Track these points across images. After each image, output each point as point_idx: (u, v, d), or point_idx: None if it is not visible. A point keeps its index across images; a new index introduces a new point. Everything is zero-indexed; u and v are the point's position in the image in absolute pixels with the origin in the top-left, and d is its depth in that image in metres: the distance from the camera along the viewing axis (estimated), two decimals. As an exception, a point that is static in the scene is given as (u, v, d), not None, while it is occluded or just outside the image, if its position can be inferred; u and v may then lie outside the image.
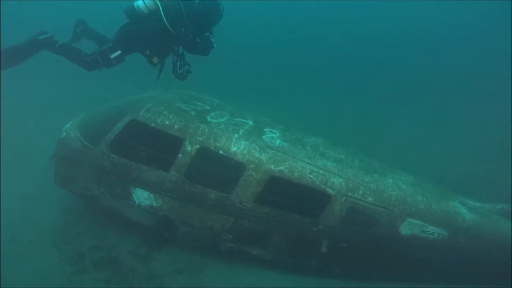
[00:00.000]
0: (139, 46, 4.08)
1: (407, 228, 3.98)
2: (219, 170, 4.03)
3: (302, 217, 3.89)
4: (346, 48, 19.25)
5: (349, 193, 3.88)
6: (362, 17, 22.30)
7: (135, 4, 3.91)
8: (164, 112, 4.00)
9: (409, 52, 18.91)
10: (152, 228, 4.21)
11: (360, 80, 15.17)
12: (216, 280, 3.99)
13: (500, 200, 4.62)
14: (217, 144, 3.85)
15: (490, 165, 8.05)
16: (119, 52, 3.96)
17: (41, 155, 5.77)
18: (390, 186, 4.10)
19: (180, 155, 3.85)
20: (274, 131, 4.31)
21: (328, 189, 3.84)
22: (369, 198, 3.92)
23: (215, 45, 4.25)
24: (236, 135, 3.97)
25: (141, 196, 4.02)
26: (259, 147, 3.92)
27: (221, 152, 3.83)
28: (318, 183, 3.84)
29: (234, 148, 3.85)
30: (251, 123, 4.31)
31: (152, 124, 3.93)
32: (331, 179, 3.89)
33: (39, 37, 3.95)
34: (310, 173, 3.87)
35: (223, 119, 4.16)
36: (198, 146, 3.83)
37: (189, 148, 3.84)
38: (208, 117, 4.12)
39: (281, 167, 3.83)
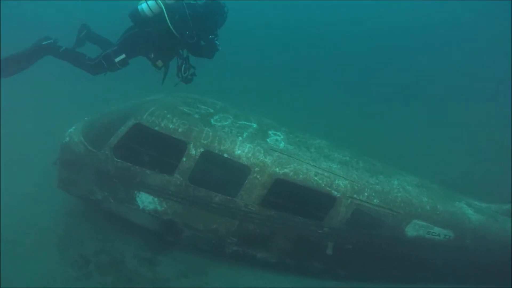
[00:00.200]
0: (144, 50, 4.07)
1: (412, 229, 3.97)
2: (223, 173, 4.02)
3: (307, 220, 3.87)
4: (346, 48, 19.26)
5: (355, 195, 3.86)
6: (362, 17, 22.32)
7: (139, 7, 3.90)
8: (168, 115, 3.98)
9: (409, 52, 18.92)
10: (157, 232, 4.19)
11: (360, 80, 15.17)
12: (221, 283, 3.97)
13: (502, 201, 4.61)
14: (222, 147, 3.84)
15: (490, 165, 8.04)
16: (123, 55, 3.95)
17: (43, 156, 5.76)
18: (396, 188, 4.09)
19: (184, 159, 3.83)
20: (278, 133, 4.30)
21: (333, 191, 3.83)
22: (375, 200, 3.90)
23: (220, 48, 4.23)
24: (240, 138, 3.96)
25: (145, 200, 4.00)
26: (263, 149, 3.91)
27: (225, 155, 3.82)
28: (323, 185, 3.83)
29: (239, 151, 3.83)
30: (255, 125, 4.29)
31: (156, 128, 3.91)
32: (336, 181, 3.88)
33: (43, 43, 3.95)
34: (315, 176, 3.85)
35: (227, 122, 4.15)
36: (202, 150, 3.82)
37: (193, 152, 3.83)
38: (212, 120, 4.10)
39: (286, 170, 3.81)
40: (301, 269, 4.14)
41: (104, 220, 4.52)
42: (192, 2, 4.07)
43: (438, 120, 10.99)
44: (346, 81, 15.03)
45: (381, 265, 4.13)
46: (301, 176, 3.82)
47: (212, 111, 4.33)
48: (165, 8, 3.83)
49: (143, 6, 3.88)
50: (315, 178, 3.84)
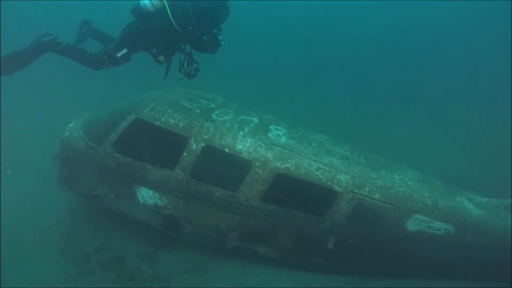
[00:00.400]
0: (146, 45, 4.06)
1: (413, 224, 3.96)
2: (224, 168, 4.01)
3: (308, 215, 3.86)
4: (346, 47, 19.27)
5: (356, 190, 3.85)
6: (361, 17, 22.36)
7: (142, 2, 3.88)
8: (169, 110, 3.98)
9: (409, 52, 18.93)
10: (157, 228, 4.18)
11: (360, 80, 15.18)
12: (222, 279, 3.96)
13: (502, 196, 4.59)
14: (223, 142, 3.83)
15: (490, 165, 8.03)
16: (125, 50, 3.93)
17: (44, 155, 5.75)
18: (397, 183, 4.08)
19: (185, 154, 3.82)
20: (280, 128, 4.29)
21: (334, 186, 3.82)
22: (376, 195, 3.89)
23: (223, 43, 4.22)
24: (241, 132, 3.95)
25: (146, 195, 3.99)
26: (265, 144, 3.90)
27: (226, 150, 3.81)
28: (324, 180, 3.82)
29: (240, 146, 3.83)
30: (256, 120, 4.29)
31: (157, 123, 3.91)
32: (338, 176, 3.87)
33: (43, 39, 3.94)
34: (317, 170, 3.85)
35: (228, 117, 4.14)
36: (203, 145, 3.82)
37: (194, 147, 3.82)
38: (213, 115, 4.10)
39: (287, 165, 3.81)
40: (302, 264, 4.12)
41: (105, 218, 4.51)
42: None
43: (438, 120, 10.98)
44: (347, 80, 15.03)
45: (382, 260, 4.12)
46: (302, 171, 3.81)
47: (213, 106, 4.33)
48: (167, 3, 3.83)
49: (145, 1, 3.86)
50: (317, 173, 3.84)
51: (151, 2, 3.83)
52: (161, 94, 4.38)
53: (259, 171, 3.78)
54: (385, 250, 4.02)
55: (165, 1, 3.82)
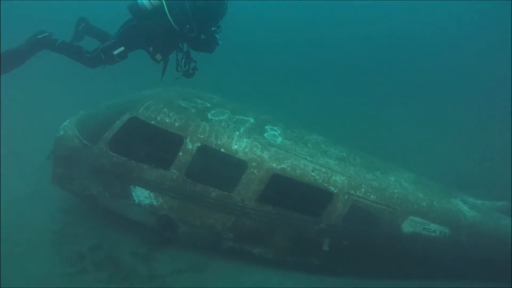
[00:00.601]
0: (143, 43, 4.03)
1: (409, 226, 3.95)
2: (220, 168, 3.99)
3: (304, 216, 3.85)
4: (345, 47, 19.23)
5: (352, 191, 3.85)
6: (361, 18, 22.30)
7: (139, 1, 3.85)
8: (164, 109, 3.95)
9: (409, 52, 18.91)
10: (152, 228, 4.17)
11: (359, 80, 15.15)
12: (218, 279, 3.94)
13: (497, 198, 4.60)
14: (219, 142, 3.81)
15: (490, 165, 8.04)
16: (122, 48, 3.90)
17: (38, 153, 5.72)
18: (392, 184, 4.07)
19: (180, 153, 3.81)
20: (275, 128, 4.28)
21: (330, 187, 3.81)
22: (372, 196, 3.89)
23: (220, 42, 4.18)
24: (237, 132, 3.93)
25: (141, 195, 3.98)
26: (261, 145, 3.89)
27: (222, 150, 3.79)
28: (320, 181, 3.81)
29: (236, 146, 3.81)
30: (252, 120, 4.27)
31: (152, 122, 3.89)
32: (333, 177, 3.86)
33: (38, 36, 3.90)
34: (312, 171, 3.83)
35: (224, 117, 4.12)
36: (199, 144, 3.80)
37: (190, 146, 3.80)
38: (209, 115, 4.08)
39: (283, 165, 3.79)
40: (298, 265, 4.12)
41: (99, 217, 4.49)
42: None
43: (437, 120, 10.99)
44: (345, 80, 15.02)
45: (378, 261, 4.12)
46: (298, 171, 3.80)
47: (209, 105, 4.30)
48: (165, 1, 3.79)
49: None
50: (313, 173, 3.83)
51: (149, 0, 3.80)
52: (156, 92, 4.35)
53: (255, 172, 3.77)
54: (381, 251, 4.02)
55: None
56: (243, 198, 3.79)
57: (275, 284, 3.98)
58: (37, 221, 4.47)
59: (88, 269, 3.89)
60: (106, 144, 3.92)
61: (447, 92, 13.98)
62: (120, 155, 3.91)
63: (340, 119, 10.54)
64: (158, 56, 4.01)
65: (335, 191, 3.80)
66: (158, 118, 3.89)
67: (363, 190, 3.89)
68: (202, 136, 3.83)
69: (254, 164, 3.77)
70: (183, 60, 4.13)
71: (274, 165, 3.78)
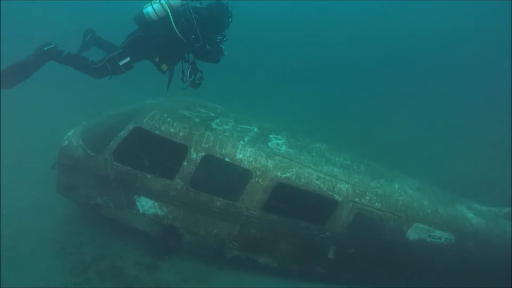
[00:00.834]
0: (148, 53, 4.02)
1: (414, 233, 3.95)
2: (224, 177, 3.99)
3: (309, 224, 3.85)
4: (347, 49, 19.25)
5: (356, 199, 3.84)
6: (362, 18, 22.31)
7: (145, 11, 3.84)
8: (169, 119, 3.95)
9: (409, 53, 18.92)
10: (157, 237, 4.16)
11: (360, 81, 15.16)
12: (222, 289, 3.94)
13: (502, 204, 4.60)
14: (223, 152, 3.81)
15: (490, 166, 8.03)
16: (128, 59, 3.90)
17: (41, 162, 5.72)
18: (397, 191, 4.07)
19: (185, 163, 3.80)
20: (279, 137, 4.27)
21: (335, 195, 3.80)
22: (376, 204, 3.88)
23: (226, 52, 4.17)
24: (241, 142, 3.93)
25: (146, 205, 3.97)
26: (265, 154, 3.88)
27: (227, 159, 3.79)
28: (325, 189, 3.80)
29: (240, 155, 3.81)
30: (256, 129, 4.27)
31: (157, 132, 3.88)
32: (338, 185, 3.86)
33: (45, 49, 3.90)
34: (317, 180, 3.83)
35: (228, 126, 4.12)
36: (203, 154, 3.79)
37: (194, 156, 3.80)
38: (213, 124, 4.07)
39: (287, 174, 3.79)
40: (303, 274, 4.11)
41: (103, 226, 4.49)
42: (197, 5, 4.02)
43: (438, 121, 10.99)
44: (347, 83, 15.02)
45: (383, 269, 4.11)
46: (303, 180, 3.80)
47: (212, 115, 4.30)
48: (170, 11, 3.78)
49: (149, 9, 3.82)
50: (317, 182, 3.82)
51: (154, 10, 3.79)
52: (160, 102, 4.35)
53: (260, 181, 3.76)
54: (386, 259, 4.02)
55: (168, 9, 3.78)
56: (248, 207, 3.78)
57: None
58: (41, 230, 4.46)
59: (92, 279, 3.88)
60: (111, 154, 3.92)
61: (447, 92, 13.99)
62: (124, 165, 3.90)
63: (342, 121, 10.54)
64: (164, 67, 4.01)
65: (340, 199, 3.80)
66: (163, 128, 3.89)
67: (367, 197, 3.88)
68: (206, 146, 3.82)
69: (258, 173, 3.76)
70: (189, 70, 4.12)
71: (279, 174, 3.78)
